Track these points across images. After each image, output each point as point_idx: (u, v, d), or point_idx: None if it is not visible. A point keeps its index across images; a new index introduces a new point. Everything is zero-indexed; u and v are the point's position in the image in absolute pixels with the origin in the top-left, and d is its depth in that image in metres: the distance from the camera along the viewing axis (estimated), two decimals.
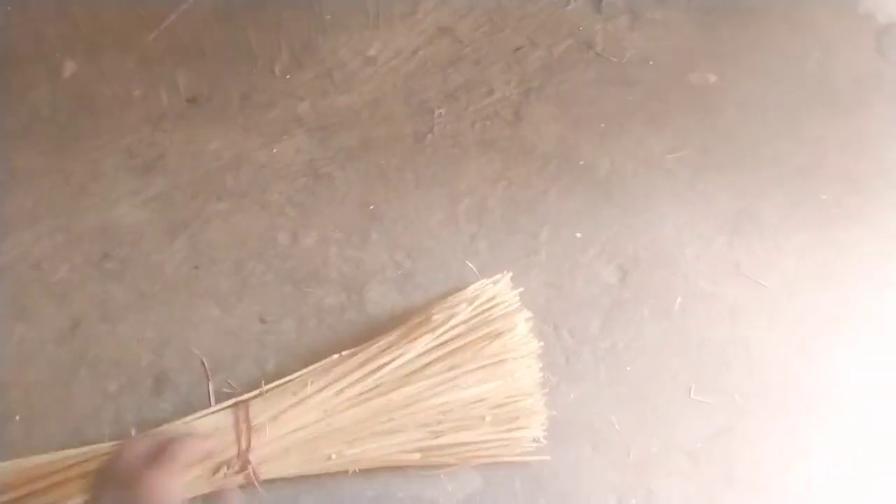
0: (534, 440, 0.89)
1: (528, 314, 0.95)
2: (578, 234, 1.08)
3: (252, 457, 0.81)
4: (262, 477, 0.82)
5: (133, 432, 0.88)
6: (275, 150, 1.13)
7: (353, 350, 0.91)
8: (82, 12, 1.26)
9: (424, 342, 0.88)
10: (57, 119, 1.15)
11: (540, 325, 0.99)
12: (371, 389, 0.85)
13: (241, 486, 0.83)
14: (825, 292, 1.04)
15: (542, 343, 0.96)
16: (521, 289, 0.99)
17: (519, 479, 0.90)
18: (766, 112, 1.20)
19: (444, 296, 1.00)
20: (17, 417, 0.92)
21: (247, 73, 1.19)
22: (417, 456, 0.84)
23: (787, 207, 1.11)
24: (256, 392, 0.88)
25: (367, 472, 0.88)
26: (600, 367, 0.98)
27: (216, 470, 0.82)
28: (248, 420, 0.84)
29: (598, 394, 0.97)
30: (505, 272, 1.02)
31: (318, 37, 1.23)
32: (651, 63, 1.23)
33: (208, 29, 1.24)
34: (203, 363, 0.96)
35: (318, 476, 0.87)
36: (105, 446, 0.84)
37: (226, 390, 0.94)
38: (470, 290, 0.97)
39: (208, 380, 0.94)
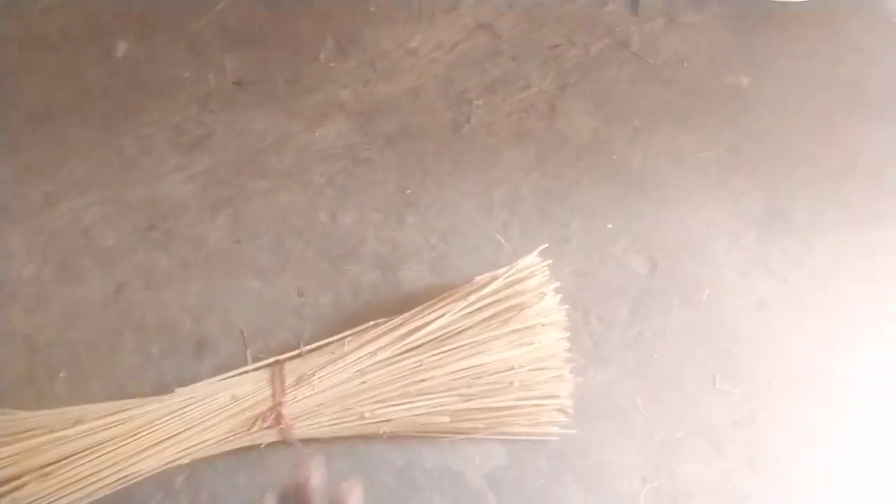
0: (560, 410, 0.91)
1: (556, 284, 0.97)
2: (609, 225, 1.10)
3: (286, 411, 0.84)
4: (296, 435, 0.85)
5: (175, 389, 0.91)
6: (317, 134, 1.17)
7: (387, 318, 0.94)
8: None
9: (457, 309, 0.91)
10: (109, 96, 1.20)
11: (569, 311, 1.01)
12: (404, 352, 0.88)
13: (276, 443, 0.86)
14: (852, 290, 1.06)
15: (570, 327, 0.98)
16: (551, 261, 1.01)
17: (544, 456, 0.92)
18: (798, 115, 1.22)
19: (476, 276, 1.03)
20: (62, 374, 0.96)
21: (292, 60, 1.24)
22: (447, 419, 0.87)
23: (818, 208, 1.13)
24: (295, 352, 0.92)
25: (397, 441, 0.91)
26: (627, 353, 1.00)
27: (251, 424, 0.85)
28: (282, 376, 0.88)
29: (624, 378, 0.98)
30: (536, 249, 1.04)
31: (362, 27, 1.27)
32: (685, 64, 1.26)
33: (256, 16, 1.28)
34: (242, 331, 0.99)
35: (350, 439, 0.89)
36: (147, 400, 0.87)
37: (262, 356, 0.97)
38: (502, 268, 0.99)
39: (246, 346, 0.97)
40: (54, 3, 1.30)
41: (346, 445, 0.90)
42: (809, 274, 1.07)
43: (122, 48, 1.24)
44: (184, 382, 0.93)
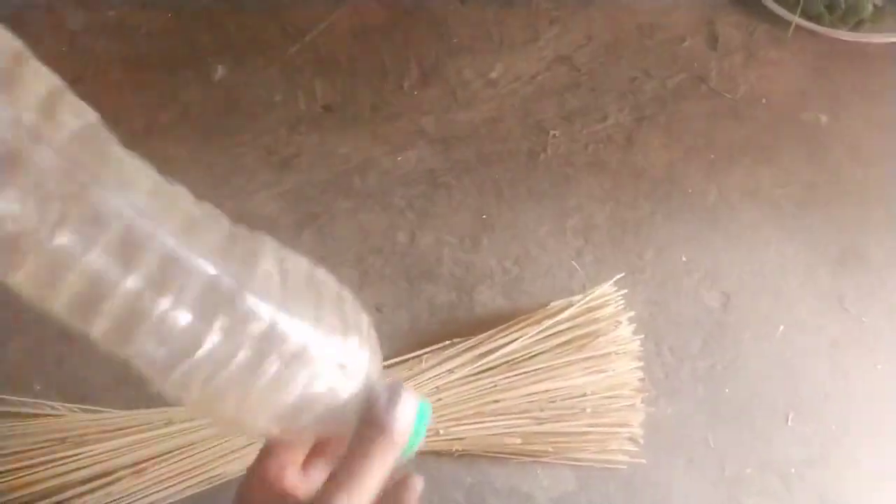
0: (630, 439, 0.92)
1: (631, 313, 0.99)
2: (684, 258, 1.11)
3: None
4: None
5: None
6: (399, 158, 1.22)
7: (464, 338, 0.97)
8: (233, 23, 1.38)
9: (532, 333, 0.94)
10: (205, 117, 1.27)
11: (642, 341, 1.02)
12: (480, 372, 0.91)
13: None
14: None
15: (643, 357, 1.00)
16: (626, 290, 1.03)
17: (613, 484, 0.94)
18: (874, 156, 1.21)
19: (548, 303, 1.05)
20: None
21: (378, 87, 1.29)
22: (518, 441, 0.89)
23: (892, 247, 1.12)
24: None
25: (468, 459, 0.93)
26: (698, 386, 1.01)
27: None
28: None
29: (695, 410, 0.99)
30: (607, 283, 1.06)
31: (444, 58, 1.32)
32: (764, 100, 1.27)
33: (345, 45, 1.34)
34: None
35: (421, 454, 0.92)
36: None
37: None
38: (577, 295, 1.02)
39: None
40: (157, 28, 1.38)
41: (417, 460, 0.93)
42: (884, 314, 1.07)
43: (219, 72, 1.31)
44: None
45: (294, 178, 1.20)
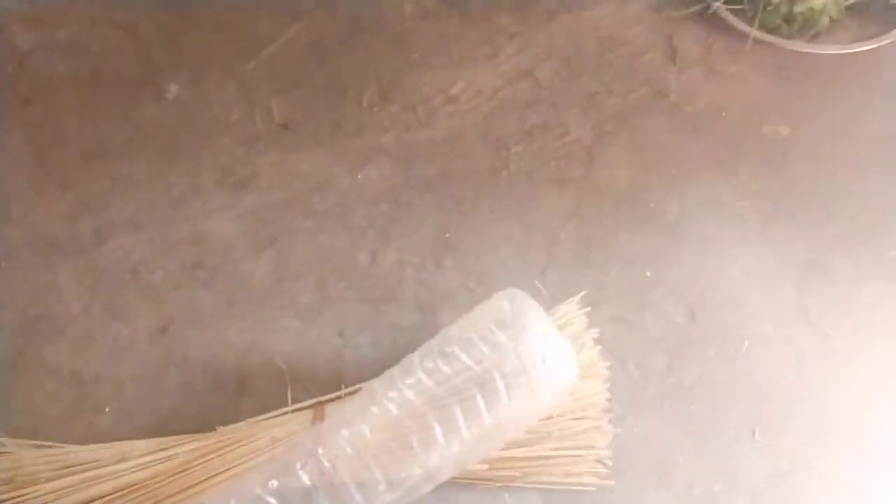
0: (598, 461, 0.91)
1: (596, 332, 0.98)
2: (648, 273, 1.11)
3: (327, 456, 0.84)
4: (336, 478, 0.86)
5: (217, 428, 0.92)
6: (359, 177, 1.19)
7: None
8: (187, 39, 1.36)
9: None
10: (160, 136, 1.24)
11: (607, 358, 1.01)
12: (445, 398, 0.89)
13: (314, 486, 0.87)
14: (892, 344, 1.05)
15: (608, 376, 0.99)
16: (589, 308, 1.02)
17: None
18: (836, 167, 1.22)
19: None
20: (108, 409, 0.98)
21: (336, 104, 1.27)
22: (485, 466, 0.87)
23: (856, 260, 1.13)
24: (335, 394, 0.93)
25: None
26: (665, 404, 1.00)
27: (291, 469, 0.86)
28: (322, 418, 0.88)
29: (662, 429, 0.98)
30: (570, 300, 1.05)
31: (404, 74, 1.31)
32: (724, 114, 1.27)
33: (303, 61, 1.32)
34: (283, 371, 1.00)
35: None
36: (189, 438, 0.89)
37: (302, 397, 0.98)
38: None
39: (288, 386, 0.99)
40: (109, 46, 1.35)
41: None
42: (849, 327, 1.07)
43: (173, 90, 1.28)
44: (225, 420, 0.95)
45: (252, 199, 1.17)
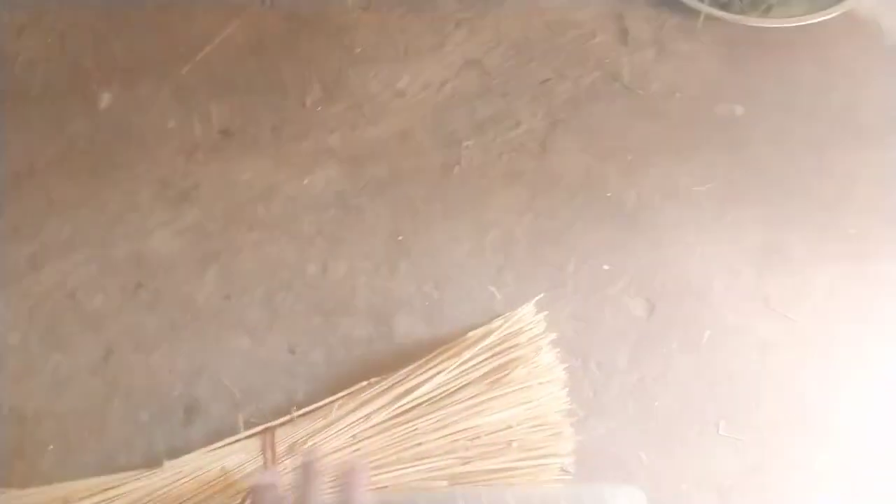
0: (562, 469, 0.89)
1: (552, 336, 0.96)
2: (606, 266, 1.08)
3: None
4: None
5: (164, 462, 0.88)
6: (305, 182, 1.15)
7: (381, 377, 0.92)
8: (119, 44, 1.29)
9: (450, 368, 0.89)
10: (93, 150, 1.18)
11: (567, 358, 0.99)
12: (399, 415, 0.86)
13: None
14: (856, 326, 1.04)
15: (569, 376, 0.96)
16: (546, 312, 0.99)
17: None
18: (793, 145, 1.19)
19: (472, 327, 1.00)
20: (51, 447, 0.94)
21: (278, 106, 1.22)
22: (445, 483, 0.85)
23: (816, 241, 1.11)
24: (286, 418, 0.90)
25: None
26: (628, 402, 0.98)
27: (242, 497, 0.83)
28: (273, 444, 0.86)
29: (626, 429, 0.96)
30: (530, 301, 1.02)
31: (348, 70, 1.25)
32: (678, 95, 1.24)
33: (241, 61, 1.26)
34: (233, 394, 0.97)
35: None
36: (136, 475, 0.85)
37: (254, 420, 0.94)
38: (496, 320, 0.97)
39: (238, 409, 0.95)
40: (37, 54, 1.28)
41: None
42: (811, 310, 1.05)
43: (105, 99, 1.22)
44: (175, 450, 0.91)
45: (194, 213, 1.12)
